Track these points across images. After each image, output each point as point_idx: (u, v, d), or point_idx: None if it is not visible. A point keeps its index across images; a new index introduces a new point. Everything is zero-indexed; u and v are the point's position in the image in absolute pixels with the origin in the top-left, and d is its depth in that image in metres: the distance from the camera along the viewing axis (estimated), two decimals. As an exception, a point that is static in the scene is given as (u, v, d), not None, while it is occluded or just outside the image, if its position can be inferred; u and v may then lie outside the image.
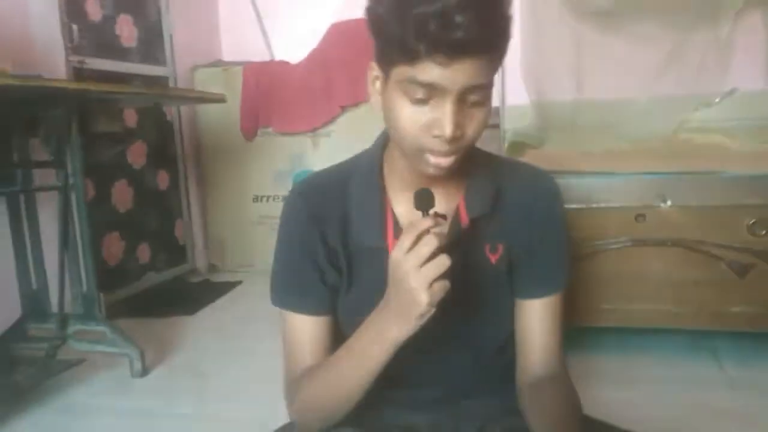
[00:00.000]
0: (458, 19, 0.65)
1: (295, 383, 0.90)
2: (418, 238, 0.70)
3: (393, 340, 0.77)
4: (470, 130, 0.75)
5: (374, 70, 0.78)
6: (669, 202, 1.90)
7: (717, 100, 2.73)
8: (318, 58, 3.23)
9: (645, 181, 1.93)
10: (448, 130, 0.71)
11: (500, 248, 0.89)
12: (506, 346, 0.96)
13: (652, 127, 2.74)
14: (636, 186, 1.93)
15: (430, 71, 0.69)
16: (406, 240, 0.71)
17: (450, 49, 0.67)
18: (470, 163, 0.87)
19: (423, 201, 0.75)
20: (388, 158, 0.89)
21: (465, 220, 0.86)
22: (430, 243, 0.70)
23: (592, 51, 3.04)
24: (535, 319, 0.91)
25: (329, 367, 0.85)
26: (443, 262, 0.70)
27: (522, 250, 0.90)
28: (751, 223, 1.84)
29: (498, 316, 0.92)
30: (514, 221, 0.90)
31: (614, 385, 1.81)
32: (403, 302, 0.73)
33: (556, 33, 3.02)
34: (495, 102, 3.14)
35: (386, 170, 0.89)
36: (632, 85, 2.89)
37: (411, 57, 0.69)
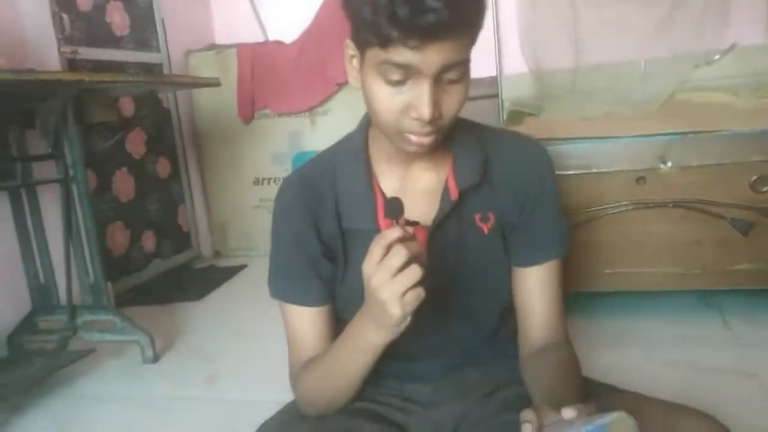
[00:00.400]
0: (429, 1, 0.64)
1: (296, 374, 0.91)
2: (388, 249, 0.69)
3: (373, 347, 0.78)
4: (449, 108, 0.75)
5: (350, 49, 0.78)
6: (669, 164, 1.88)
7: (717, 57, 2.69)
8: (312, 35, 3.20)
9: (645, 143, 1.91)
10: (426, 111, 0.71)
11: (491, 217, 0.89)
12: (507, 316, 0.96)
13: (652, 89, 2.71)
14: (636, 149, 1.92)
15: (404, 54, 0.69)
16: (375, 251, 0.70)
17: (422, 33, 0.66)
18: (456, 135, 0.87)
19: (392, 209, 0.73)
20: (373, 137, 0.89)
21: (454, 193, 0.86)
22: (399, 254, 0.68)
23: (589, 15, 3.00)
24: (535, 287, 0.91)
25: (320, 366, 0.87)
26: (414, 272, 0.68)
27: (515, 218, 0.90)
28: (753, 180, 1.83)
29: (495, 285, 0.92)
30: (504, 189, 0.89)
31: (619, 348, 1.82)
32: (377, 313, 0.72)
33: (552, -1, 2.98)
34: (492, 72, 3.12)
35: (372, 149, 0.89)
36: (630, 47, 2.86)
37: (384, 41, 0.68)
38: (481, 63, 3.12)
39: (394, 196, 0.78)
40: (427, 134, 0.75)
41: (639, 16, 2.88)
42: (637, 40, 2.87)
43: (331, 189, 0.89)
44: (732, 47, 2.67)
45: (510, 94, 3.06)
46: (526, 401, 0.85)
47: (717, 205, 1.88)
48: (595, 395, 0.83)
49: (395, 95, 0.73)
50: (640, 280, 1.99)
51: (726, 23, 2.72)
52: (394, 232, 0.69)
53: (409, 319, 0.72)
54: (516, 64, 3.12)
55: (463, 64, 0.73)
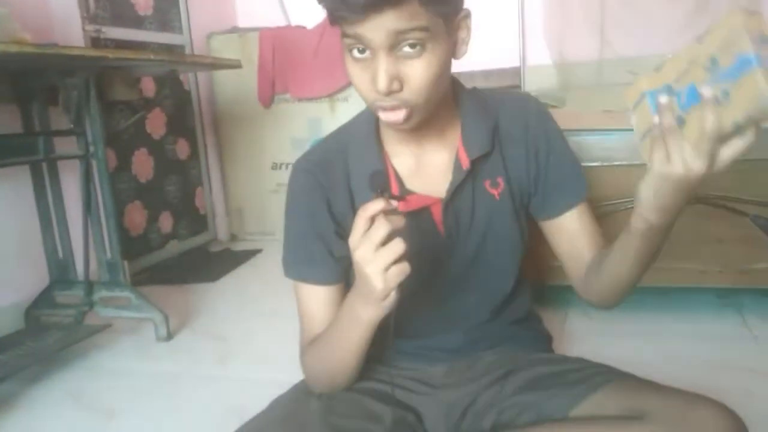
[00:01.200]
0: None
1: (304, 349, 0.93)
2: (371, 222, 0.69)
3: (367, 322, 0.77)
4: (413, 80, 0.74)
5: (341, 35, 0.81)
6: (693, 158, 1.85)
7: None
8: (334, 21, 3.19)
9: (669, 137, 1.88)
10: (380, 82, 0.73)
11: (501, 182, 0.90)
12: (521, 288, 0.97)
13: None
14: (659, 142, 1.89)
15: (354, 28, 0.72)
16: (359, 224, 0.70)
17: (362, 8, 0.69)
18: (465, 106, 0.89)
19: (375, 183, 0.74)
20: None
21: (465, 162, 0.87)
22: (382, 227, 0.68)
23: (615, 7, 2.96)
24: (576, 229, 0.93)
25: (321, 342, 0.88)
26: (397, 246, 0.68)
27: (529, 177, 0.92)
28: (778, 177, 1.79)
29: (507, 251, 0.94)
30: (511, 151, 0.91)
31: (636, 343, 1.80)
32: (363, 287, 0.72)
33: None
34: (515, 63, 3.09)
35: (382, 128, 0.90)
36: (655, 41, 2.82)
37: (338, 19, 0.73)
38: (506, 53, 3.12)
39: (378, 170, 0.81)
40: (393, 108, 0.76)
41: (665, 9, 2.85)
42: (662, 33, 2.83)
43: (343, 168, 0.90)
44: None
45: (533, 85, 3.04)
46: (539, 384, 0.85)
47: (740, 201, 1.84)
48: (611, 375, 0.84)
49: (360, 70, 0.76)
50: (660, 275, 1.95)
51: (757, 14, 2.66)
52: (376, 204, 0.69)
53: (394, 294, 0.71)
54: (540, 55, 3.09)
55: (420, 31, 0.72)
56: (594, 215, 0.96)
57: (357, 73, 0.76)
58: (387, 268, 0.68)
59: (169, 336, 2.11)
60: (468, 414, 0.91)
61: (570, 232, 0.94)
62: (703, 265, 1.91)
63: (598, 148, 1.93)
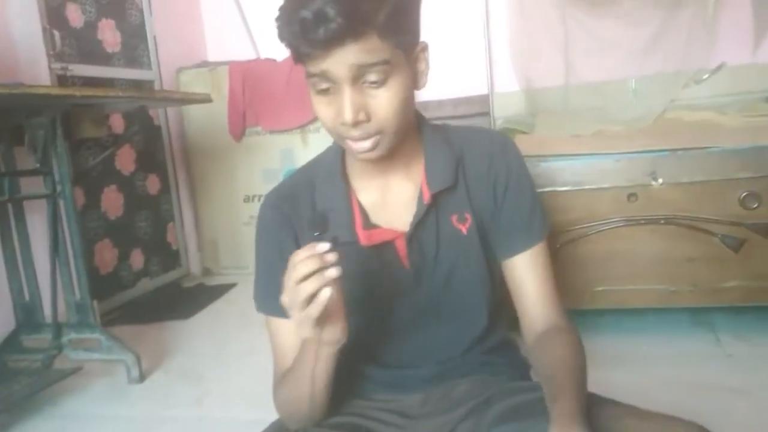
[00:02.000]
0: (327, 11, 0.69)
1: (276, 384, 0.93)
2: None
3: (322, 353, 0.80)
4: (378, 110, 0.77)
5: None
6: (660, 180, 1.89)
7: (705, 76, 2.72)
8: (303, 54, 3.22)
9: (635, 160, 1.92)
10: (346, 115, 0.75)
11: (468, 217, 0.91)
12: (495, 319, 0.96)
13: (642, 107, 2.73)
14: (627, 166, 1.93)
15: (317, 64, 0.74)
16: (294, 258, 0.74)
17: (322, 44, 0.71)
18: (427, 140, 0.91)
19: (318, 224, 0.77)
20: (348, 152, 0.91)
21: (427, 196, 0.88)
22: (298, 268, 0.72)
23: (579, 33, 3.03)
24: (524, 274, 0.93)
25: (289, 375, 0.88)
26: (311, 284, 0.71)
27: (490, 212, 0.92)
28: (742, 196, 1.84)
29: (478, 285, 0.93)
30: (477, 186, 0.92)
31: (611, 366, 1.80)
32: None
33: (543, 17, 3.02)
34: (484, 90, 3.14)
35: (348, 163, 0.92)
36: (620, 66, 2.89)
37: (300, 56, 0.75)
38: (473, 81, 3.17)
39: (321, 213, 0.84)
40: (360, 138, 0.78)
41: (628, 35, 2.92)
42: (626, 58, 2.90)
43: (310, 203, 0.91)
44: (720, 66, 2.70)
45: (501, 111, 3.08)
46: (518, 413, 0.84)
47: (707, 221, 1.88)
48: (596, 405, 0.83)
49: (324, 104, 0.78)
50: (631, 297, 1.99)
51: (714, 43, 2.75)
52: (305, 250, 0.73)
53: (341, 324, 0.77)
54: (507, 82, 3.14)
55: (382, 65, 0.74)
56: (549, 260, 0.94)
57: (323, 107, 0.79)
58: (303, 304, 0.72)
59: (142, 378, 2.06)
60: (447, 446, 0.90)
61: (518, 273, 0.93)
62: (675, 286, 1.94)
63: (567, 172, 1.97)
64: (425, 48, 0.83)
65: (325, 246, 0.73)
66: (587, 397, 0.85)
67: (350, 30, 0.71)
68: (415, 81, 0.82)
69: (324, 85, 0.76)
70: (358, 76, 0.74)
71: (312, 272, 0.71)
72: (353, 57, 0.72)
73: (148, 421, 1.80)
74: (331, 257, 0.72)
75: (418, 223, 0.88)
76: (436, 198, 0.88)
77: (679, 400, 1.57)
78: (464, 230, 0.91)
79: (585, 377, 0.84)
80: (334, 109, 0.77)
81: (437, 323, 0.92)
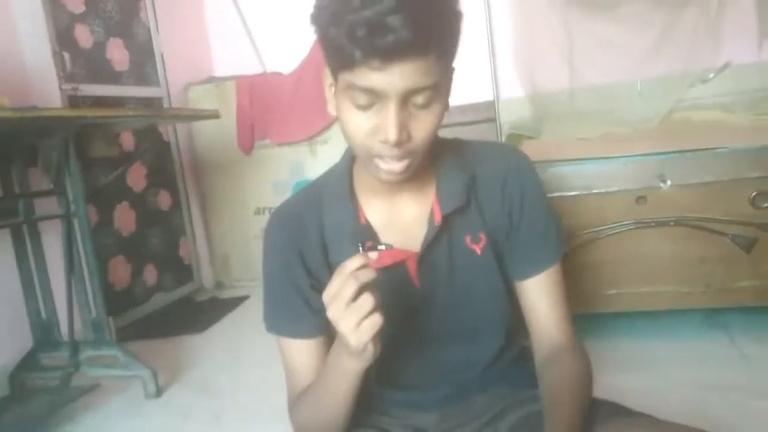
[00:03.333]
0: (391, 21, 0.64)
1: (292, 403, 0.91)
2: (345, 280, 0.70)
3: (350, 373, 0.78)
4: (419, 133, 0.74)
5: (328, 78, 0.79)
6: (669, 182, 1.89)
7: (711, 75, 2.72)
8: (310, 66, 3.24)
9: (644, 162, 1.92)
10: (391, 134, 0.71)
11: (482, 237, 0.89)
12: (514, 334, 0.95)
13: (648, 109, 2.73)
14: (635, 168, 1.93)
15: (368, 76, 0.69)
16: (335, 282, 0.71)
17: (384, 54, 0.66)
18: (440, 158, 0.88)
19: (358, 238, 0.76)
20: (357, 169, 0.89)
21: (438, 217, 0.85)
22: (350, 284, 0.69)
23: (583, 37, 3.03)
24: (536, 296, 0.90)
25: (310, 395, 0.87)
26: (366, 301, 0.69)
27: (505, 232, 0.90)
28: (753, 195, 1.83)
29: (494, 306, 0.92)
30: (491, 206, 0.89)
31: (626, 370, 1.80)
32: (341, 342, 0.74)
33: (546, 21, 3.02)
34: (489, 96, 3.15)
35: (356, 180, 0.89)
36: (625, 67, 2.89)
37: (348, 63, 0.69)
38: (478, 87, 3.18)
39: (361, 225, 0.80)
40: (396, 159, 0.75)
41: (632, 36, 2.92)
42: (631, 60, 2.90)
43: (316, 222, 0.89)
44: (726, 65, 2.70)
45: (508, 117, 3.08)
46: (533, 422, 0.84)
47: (718, 222, 1.88)
48: (605, 415, 0.83)
49: (364, 119, 0.73)
50: (644, 300, 1.98)
51: (719, 42, 2.75)
52: (353, 262, 0.70)
53: (371, 346, 0.72)
54: (513, 87, 3.15)
55: (433, 88, 0.71)
56: (563, 283, 0.92)
57: (355, 120, 0.74)
58: (359, 324, 0.69)
59: (159, 392, 2.08)
60: (463, 458, 0.90)
61: (530, 295, 0.91)
62: (687, 287, 1.93)
63: (575, 177, 1.97)
64: (454, 70, 0.80)
65: (370, 258, 0.71)
66: (596, 408, 0.84)
67: (416, 45, 0.66)
68: (447, 102, 0.79)
69: (364, 99, 0.71)
70: (408, 96, 0.70)
71: (359, 290, 0.69)
72: (410, 76, 0.68)
73: (166, 436, 1.81)
74: (369, 274, 0.70)
75: (430, 244, 0.86)
76: (448, 218, 0.86)
77: (694, 402, 1.57)
78: (478, 251, 0.88)
79: (582, 405, 0.81)
80: (372, 125, 0.73)
81: (451, 344, 0.91)
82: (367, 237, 0.86)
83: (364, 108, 0.72)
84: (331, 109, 0.80)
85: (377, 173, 0.78)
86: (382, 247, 0.78)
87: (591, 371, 0.88)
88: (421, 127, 0.74)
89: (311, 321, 0.88)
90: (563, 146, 2.27)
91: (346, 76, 0.71)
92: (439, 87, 0.73)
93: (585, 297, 1.98)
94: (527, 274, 0.90)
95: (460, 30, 0.73)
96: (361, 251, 0.72)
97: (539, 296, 0.90)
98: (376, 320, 0.70)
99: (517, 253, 0.90)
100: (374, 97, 0.71)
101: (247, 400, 1.99)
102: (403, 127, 0.72)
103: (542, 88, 3.05)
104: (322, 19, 0.70)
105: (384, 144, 0.73)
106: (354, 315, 0.69)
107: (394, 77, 0.68)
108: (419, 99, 0.71)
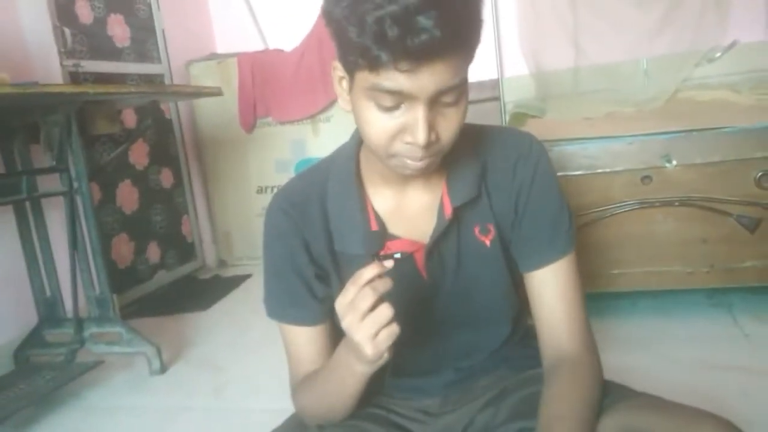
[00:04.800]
0: (420, 20, 0.60)
1: (295, 389, 0.91)
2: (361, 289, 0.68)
3: (361, 375, 0.77)
4: (446, 133, 0.71)
5: (339, 70, 0.74)
6: (674, 162, 1.88)
7: (718, 54, 2.69)
8: (312, 43, 3.21)
9: (649, 142, 1.91)
10: (421, 137, 0.67)
11: (491, 229, 0.86)
12: (519, 319, 0.95)
13: (654, 88, 2.72)
14: (640, 148, 1.91)
15: (396, 79, 0.64)
16: (350, 291, 0.69)
17: (414, 56, 0.62)
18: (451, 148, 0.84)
19: (371, 246, 0.74)
20: (365, 156, 0.86)
21: (449, 210, 0.83)
22: (366, 297, 0.67)
23: (588, 15, 3.00)
24: (544, 290, 0.85)
25: (315, 384, 0.86)
26: (384, 312, 0.68)
27: (511, 221, 0.86)
28: (758, 176, 1.82)
29: (502, 297, 0.90)
30: (500, 195, 0.86)
31: (629, 349, 1.81)
32: (354, 350, 0.72)
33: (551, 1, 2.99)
34: (493, 75, 3.13)
35: (363, 167, 0.86)
36: (630, 46, 2.86)
37: (372, 65, 0.64)
38: (483, 66, 3.15)
39: (374, 232, 0.78)
40: (422, 159, 0.72)
41: (638, 14, 2.89)
42: (637, 38, 2.87)
43: (320, 209, 0.86)
44: (732, 44, 2.67)
45: (512, 96, 3.07)
46: (533, 402, 0.83)
47: (723, 202, 1.87)
48: (610, 397, 0.82)
49: (387, 121, 0.69)
50: (648, 279, 1.98)
51: (725, 21, 2.72)
52: (368, 272, 0.68)
53: (386, 355, 0.71)
54: (517, 66, 3.13)
55: (462, 87, 0.68)
56: (576, 276, 0.86)
57: (378, 122, 0.69)
58: (376, 334, 0.68)
59: (163, 369, 2.09)
60: (465, 436, 0.90)
61: (538, 291, 0.85)
62: (691, 267, 1.93)
63: (580, 156, 1.96)
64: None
65: (385, 267, 0.69)
66: (605, 386, 0.82)
67: (448, 45, 0.63)
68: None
69: (390, 102, 0.67)
70: (437, 97, 0.67)
71: (374, 303, 0.67)
72: (441, 77, 0.64)
73: (171, 411, 1.83)
74: (387, 283, 0.69)
75: (439, 237, 0.83)
76: (457, 210, 0.83)
77: (697, 381, 1.57)
78: (487, 242, 0.85)
79: (582, 428, 0.74)
80: (398, 127, 0.69)
81: (457, 332, 0.90)
82: (375, 238, 0.83)
83: (390, 110, 0.68)
84: (344, 105, 0.76)
85: (401, 169, 0.74)
86: (398, 256, 0.76)
87: (600, 382, 0.82)
88: (449, 126, 0.71)
89: (314, 309, 0.87)
90: (568, 125, 2.25)
91: (367, 76, 0.66)
92: (466, 82, 0.70)
93: (589, 277, 1.98)
94: (535, 265, 0.86)
95: (483, 20, 0.69)
96: (375, 260, 0.71)
97: (547, 290, 0.85)
98: (393, 330, 0.69)
99: (524, 242, 0.86)
100: (401, 99, 0.67)
101: (251, 376, 2.00)
102: (432, 129, 0.69)
103: (547, 67, 3.03)
104: (338, 12, 0.64)
105: (410, 145, 0.70)
106: (371, 326, 0.68)
107: (425, 79, 0.64)
108: (448, 98, 0.68)
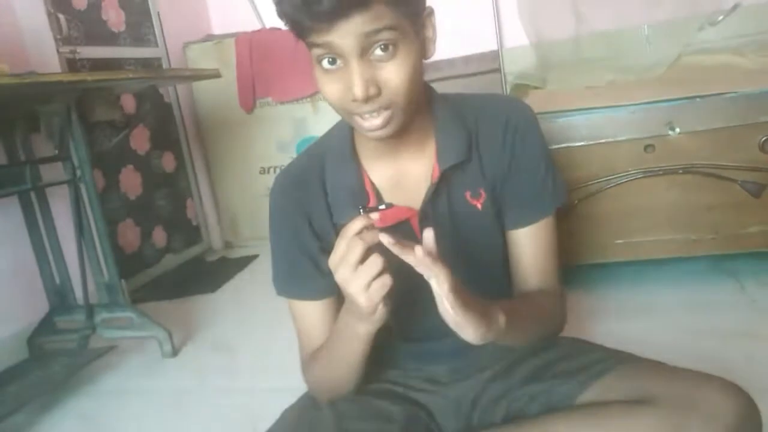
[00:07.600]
0: None
1: (305, 364, 0.94)
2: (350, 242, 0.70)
3: (363, 335, 0.79)
4: (389, 84, 0.73)
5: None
6: (677, 130, 1.87)
7: (720, 18, 2.65)
8: (309, 21, 3.18)
9: (651, 110, 1.89)
10: (357, 90, 0.72)
11: (482, 192, 0.90)
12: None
13: (656, 54, 2.68)
14: (643, 116, 1.90)
15: (321, 36, 0.71)
16: (339, 245, 0.71)
17: (326, 17, 0.68)
18: (438, 116, 0.88)
19: (356, 200, 0.77)
20: (358, 131, 0.88)
21: (435, 174, 0.86)
22: (356, 246, 0.69)
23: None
24: (524, 247, 0.92)
25: (322, 355, 0.89)
26: (374, 263, 0.69)
27: (501, 184, 0.91)
28: (762, 140, 1.81)
29: (496, 258, 0.94)
30: (492, 158, 0.90)
31: (635, 317, 1.82)
32: (351, 305, 0.74)
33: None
34: (493, 46, 3.09)
35: (358, 141, 0.90)
36: (631, 12, 2.82)
37: (303, 32, 0.72)
38: (482, 37, 3.12)
39: (357, 186, 0.82)
40: (373, 113, 0.75)
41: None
42: (638, 4, 2.83)
43: (321, 185, 0.90)
44: (735, 7, 2.62)
45: (512, 67, 3.04)
46: (545, 372, 0.86)
47: (727, 168, 1.86)
48: (616, 361, 0.84)
49: (332, 81, 0.75)
50: (653, 248, 1.98)
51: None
52: (355, 224, 0.71)
53: (382, 306, 0.73)
54: (517, 36, 3.09)
55: (390, 31, 0.71)
56: (554, 233, 0.94)
57: (329, 85, 0.75)
58: (368, 285, 0.70)
59: (175, 352, 2.12)
60: (478, 406, 0.92)
61: (517, 248, 0.93)
62: (696, 234, 1.93)
63: (582, 127, 1.95)
64: (431, 13, 0.79)
65: (371, 219, 0.71)
66: (594, 350, 0.89)
67: (353, 2, 0.68)
68: (423, 49, 0.79)
69: (330, 61, 0.73)
70: (366, 48, 0.71)
71: (365, 252, 0.70)
72: (359, 26, 0.69)
73: (184, 393, 1.86)
74: (375, 235, 0.71)
75: (430, 201, 0.87)
76: (447, 175, 0.87)
77: (703, 348, 1.59)
78: (479, 206, 0.90)
79: (542, 320, 0.90)
80: (342, 86, 0.74)
81: None
82: (368, 200, 0.86)
83: (331, 71, 0.74)
84: (315, 81, 0.80)
85: (364, 132, 0.78)
86: (383, 207, 0.78)
87: (563, 314, 0.94)
88: (390, 78, 0.73)
89: (321, 283, 0.90)
90: (569, 96, 2.23)
91: (307, 42, 0.74)
92: (400, 31, 0.72)
93: (593, 247, 1.99)
94: (519, 224, 0.92)
95: None
96: (361, 213, 0.73)
97: (528, 246, 0.92)
98: (385, 281, 0.70)
99: (511, 202, 0.91)
100: (333, 55, 0.73)
101: (260, 356, 2.03)
102: (370, 82, 0.72)
103: (547, 37, 2.99)
104: None
105: (356, 102, 0.73)
106: (362, 277, 0.70)
107: (343, 33, 0.70)
108: (379, 48, 0.72)
